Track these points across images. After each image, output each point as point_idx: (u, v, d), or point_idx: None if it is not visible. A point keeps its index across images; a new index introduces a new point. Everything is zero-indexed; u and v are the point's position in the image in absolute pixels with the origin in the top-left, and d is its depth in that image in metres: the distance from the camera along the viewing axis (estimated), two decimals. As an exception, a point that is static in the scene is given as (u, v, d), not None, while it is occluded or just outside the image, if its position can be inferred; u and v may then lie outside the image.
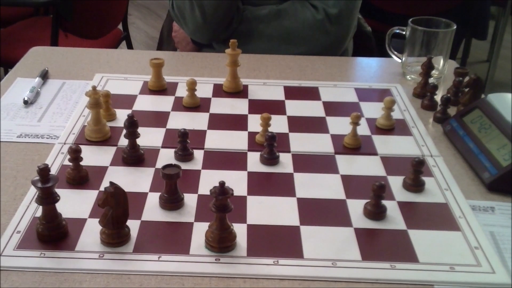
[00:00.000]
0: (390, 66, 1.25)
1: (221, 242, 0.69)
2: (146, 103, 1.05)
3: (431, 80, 1.12)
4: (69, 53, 1.26)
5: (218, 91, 1.10)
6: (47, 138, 0.93)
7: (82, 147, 0.83)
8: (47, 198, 0.68)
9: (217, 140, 0.93)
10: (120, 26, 2.45)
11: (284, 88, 1.12)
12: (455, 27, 1.14)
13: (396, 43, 1.24)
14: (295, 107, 1.05)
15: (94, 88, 0.89)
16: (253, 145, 0.92)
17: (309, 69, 1.21)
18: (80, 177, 0.81)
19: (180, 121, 0.99)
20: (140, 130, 0.87)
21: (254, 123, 0.97)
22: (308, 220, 0.75)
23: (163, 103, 1.05)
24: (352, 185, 0.83)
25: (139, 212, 0.76)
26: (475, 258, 0.70)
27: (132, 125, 0.85)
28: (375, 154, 0.91)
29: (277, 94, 1.10)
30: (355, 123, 0.91)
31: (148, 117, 1.00)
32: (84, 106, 1.00)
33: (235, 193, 0.69)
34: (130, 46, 2.56)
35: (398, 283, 0.66)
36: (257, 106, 1.05)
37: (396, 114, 1.01)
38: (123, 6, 2.37)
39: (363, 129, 0.97)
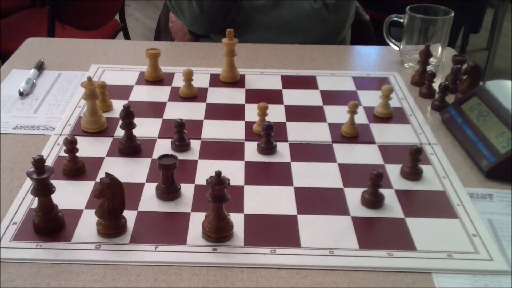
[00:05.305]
0: (388, 54, 1.24)
1: (218, 232, 0.68)
2: (143, 94, 1.05)
3: (429, 68, 1.11)
4: (65, 44, 1.25)
5: (215, 81, 1.10)
6: (43, 129, 0.92)
7: (78, 138, 0.82)
8: (43, 190, 0.68)
9: (214, 130, 0.93)
10: (117, 17, 2.43)
11: (281, 77, 1.12)
12: (453, 14, 1.13)
13: (394, 31, 1.23)
14: (293, 97, 1.04)
15: (89, 79, 0.89)
16: (250, 134, 0.92)
17: (306, 58, 1.21)
18: (76, 169, 0.81)
19: (177, 111, 0.98)
20: (137, 120, 0.86)
21: (251, 112, 0.97)
22: (305, 209, 0.75)
23: (160, 93, 1.05)
24: (350, 173, 0.83)
25: (136, 202, 0.75)
26: (473, 245, 0.70)
27: (128, 115, 0.85)
28: (373, 142, 0.91)
29: (274, 83, 1.09)
30: (353, 111, 0.90)
31: (144, 107, 1.00)
32: (80, 97, 0.99)
33: (232, 183, 0.69)
34: (127, 37, 2.55)
35: (395, 271, 0.66)
36: (254, 96, 1.04)
37: (394, 103, 1.01)
38: (120, -3, 2.36)
39: (361, 118, 0.97)
